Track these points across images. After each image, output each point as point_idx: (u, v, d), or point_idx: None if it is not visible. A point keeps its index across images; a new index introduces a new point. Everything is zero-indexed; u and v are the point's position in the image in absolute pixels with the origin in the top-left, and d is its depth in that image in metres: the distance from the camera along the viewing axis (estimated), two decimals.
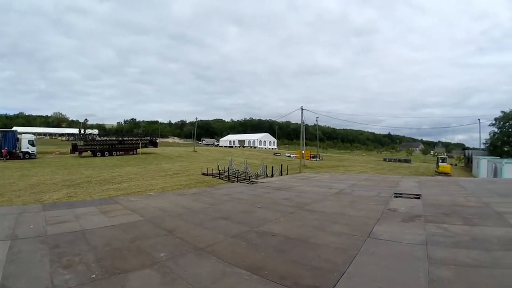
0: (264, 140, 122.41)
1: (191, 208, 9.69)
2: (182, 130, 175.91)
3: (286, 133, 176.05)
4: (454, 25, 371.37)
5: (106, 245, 5.74)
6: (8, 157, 41.85)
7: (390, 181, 18.16)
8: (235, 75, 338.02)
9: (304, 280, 4.23)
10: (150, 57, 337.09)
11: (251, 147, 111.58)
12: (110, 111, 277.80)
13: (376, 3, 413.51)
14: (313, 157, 70.18)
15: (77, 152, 51.51)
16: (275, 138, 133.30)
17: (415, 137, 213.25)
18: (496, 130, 63.49)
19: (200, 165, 37.01)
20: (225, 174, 31.37)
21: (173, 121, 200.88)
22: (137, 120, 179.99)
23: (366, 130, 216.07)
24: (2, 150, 42.11)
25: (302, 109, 47.90)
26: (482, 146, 68.37)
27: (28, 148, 45.07)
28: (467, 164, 65.96)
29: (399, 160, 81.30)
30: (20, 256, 5.06)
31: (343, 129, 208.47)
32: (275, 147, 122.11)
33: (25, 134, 49.42)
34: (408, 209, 9.08)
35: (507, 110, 61.76)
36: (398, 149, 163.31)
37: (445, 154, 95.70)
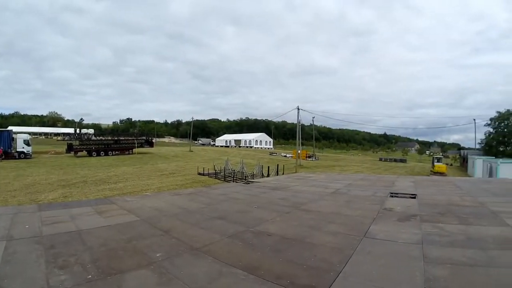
0: (260, 140, 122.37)
1: (187, 208, 9.66)
2: (178, 129, 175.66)
3: (282, 133, 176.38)
4: (451, 26, 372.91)
5: (102, 245, 5.71)
6: (3, 157, 41.50)
7: (385, 180, 18.21)
8: (232, 74, 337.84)
9: (301, 280, 4.22)
10: (146, 56, 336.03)
11: (247, 147, 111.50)
12: (106, 110, 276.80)
13: (374, 4, 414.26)
14: (309, 157, 70.25)
15: (73, 152, 51.16)
16: (271, 138, 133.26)
17: (410, 137, 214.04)
18: (491, 130, 64.15)
19: (196, 165, 36.95)
20: (221, 174, 31.36)
21: (169, 121, 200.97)
22: (133, 120, 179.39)
23: (362, 130, 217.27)
24: None
25: (298, 109, 48.09)
26: (478, 146, 68.97)
27: (23, 148, 44.74)
28: (463, 164, 66.37)
29: (395, 160, 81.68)
30: (15, 257, 5.02)
31: (339, 129, 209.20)
32: (271, 147, 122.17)
33: (20, 134, 49.07)
34: (404, 209, 9.11)
35: (502, 110, 62.38)
36: (394, 149, 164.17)
37: (441, 154, 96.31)
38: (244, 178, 26.91)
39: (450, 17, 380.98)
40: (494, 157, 48.48)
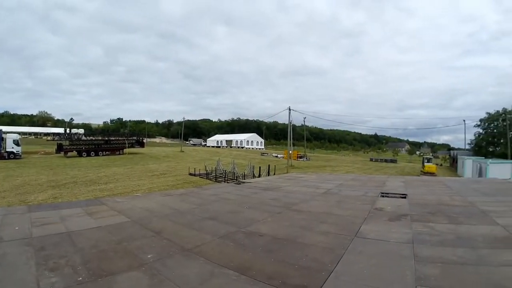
0: (251, 140, 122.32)
1: (178, 209, 9.62)
2: (169, 130, 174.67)
3: (273, 133, 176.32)
4: (442, 27, 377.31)
5: (92, 247, 5.65)
6: None
7: (376, 181, 18.34)
8: (223, 74, 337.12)
9: (292, 280, 4.22)
10: (138, 55, 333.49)
11: (238, 147, 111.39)
12: (96, 110, 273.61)
13: (365, 6, 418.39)
14: (300, 157, 70.38)
15: (63, 152, 50.57)
16: (262, 138, 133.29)
17: (401, 138, 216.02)
18: (481, 131, 65.06)
19: (187, 166, 36.80)
20: (213, 174, 31.25)
21: (160, 121, 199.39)
22: (123, 120, 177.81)
23: (353, 130, 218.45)
24: None
25: (289, 110, 48.09)
26: (467, 147, 69.83)
27: (13, 148, 44.03)
28: (452, 164, 67.04)
29: (385, 160, 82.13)
30: (5, 259, 4.95)
31: (330, 130, 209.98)
32: (263, 147, 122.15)
33: (10, 133, 48.30)
34: (394, 208, 9.17)
35: (492, 111, 63.14)
36: (385, 149, 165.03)
37: (431, 154, 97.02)
38: (235, 178, 26.82)
39: (441, 19, 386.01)
40: (483, 158, 49.09)
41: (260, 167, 31.92)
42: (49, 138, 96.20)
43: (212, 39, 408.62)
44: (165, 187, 22.71)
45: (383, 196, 11.72)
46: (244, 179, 24.06)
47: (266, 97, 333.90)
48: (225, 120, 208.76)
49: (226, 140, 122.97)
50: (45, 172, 30.60)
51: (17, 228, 6.87)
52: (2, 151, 43.05)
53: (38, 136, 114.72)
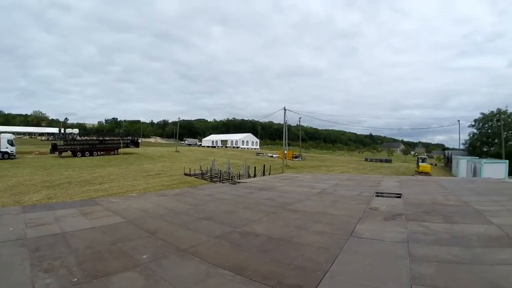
0: (246, 140, 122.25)
1: (173, 209, 9.58)
2: (164, 130, 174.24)
3: (268, 133, 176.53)
4: (437, 29, 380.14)
5: (87, 247, 5.61)
6: None
7: (371, 180, 18.39)
8: (219, 75, 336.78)
9: (288, 280, 4.21)
10: (133, 55, 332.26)
11: (233, 147, 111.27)
12: (91, 110, 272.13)
13: (361, 7, 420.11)
14: (296, 157, 70.46)
15: (57, 152, 50.17)
16: (257, 138, 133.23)
17: (396, 138, 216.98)
18: (475, 131, 65.51)
19: (183, 166, 36.68)
20: (208, 174, 31.17)
21: (155, 121, 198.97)
22: (118, 120, 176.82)
23: (348, 130, 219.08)
24: None
25: (285, 110, 48.17)
26: (462, 147, 70.27)
27: (7, 148, 43.62)
28: (447, 164, 67.51)
29: (380, 160, 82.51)
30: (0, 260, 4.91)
31: (326, 130, 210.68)
32: (258, 147, 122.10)
33: (4, 133, 47.86)
34: (389, 208, 9.19)
35: (486, 112, 63.64)
36: (380, 149, 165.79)
37: (425, 154, 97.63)
38: (230, 178, 26.79)
39: (436, 20, 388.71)
40: (478, 157, 49.50)
41: (255, 167, 31.95)
42: (43, 138, 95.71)
43: (208, 39, 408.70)
44: (160, 187, 22.62)
45: (378, 196, 11.75)
46: (239, 179, 24.04)
47: (261, 97, 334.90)
48: (221, 120, 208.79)
49: (221, 140, 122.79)
50: (39, 172, 30.37)
51: (11, 229, 6.81)
52: None
53: (33, 136, 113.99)
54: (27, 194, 19.08)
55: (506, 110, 60.20)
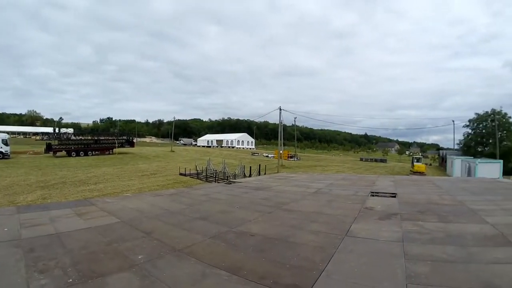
0: (242, 140, 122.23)
1: (168, 209, 9.55)
2: (159, 129, 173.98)
3: (264, 133, 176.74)
4: (431, 30, 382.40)
5: (82, 248, 5.57)
6: None
7: (366, 180, 18.45)
8: (214, 74, 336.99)
9: (284, 279, 4.21)
10: (128, 54, 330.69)
11: (229, 147, 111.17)
12: (86, 109, 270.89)
13: (356, 7, 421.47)
14: (291, 157, 70.54)
15: (52, 152, 49.92)
16: (253, 138, 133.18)
17: (391, 138, 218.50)
18: (469, 131, 66.09)
19: (178, 165, 36.63)
20: (203, 174, 31.14)
21: (150, 121, 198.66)
22: (113, 119, 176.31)
23: (343, 130, 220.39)
24: None
25: (280, 109, 48.11)
26: (456, 147, 70.79)
27: (1, 147, 43.31)
28: (441, 164, 67.92)
29: (375, 160, 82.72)
30: None
31: (321, 130, 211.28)
32: (253, 147, 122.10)
33: None
34: (384, 208, 9.22)
35: (481, 112, 64.16)
36: (375, 149, 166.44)
37: (420, 154, 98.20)
38: (226, 178, 26.78)
39: (430, 21, 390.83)
40: (472, 157, 49.88)
41: (250, 167, 31.96)
42: (38, 137, 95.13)
43: (203, 39, 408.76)
44: (156, 187, 22.59)
45: (373, 196, 11.79)
46: (235, 179, 24.02)
47: (257, 97, 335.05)
48: (216, 120, 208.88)
49: (217, 140, 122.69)
50: (34, 172, 30.21)
51: (6, 229, 6.74)
52: None
53: (27, 136, 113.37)
54: (21, 194, 18.99)
55: (501, 110, 60.90)
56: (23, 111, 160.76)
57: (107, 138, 61.83)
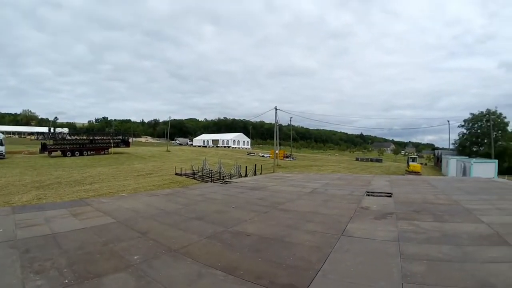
0: (238, 140, 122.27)
1: (164, 209, 9.51)
2: (155, 129, 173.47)
3: (260, 133, 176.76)
4: (427, 30, 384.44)
5: (78, 249, 5.52)
6: None
7: (362, 180, 18.50)
8: (210, 74, 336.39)
9: (280, 279, 4.20)
10: (123, 54, 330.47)
11: (225, 146, 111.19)
12: (81, 109, 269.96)
13: (353, 8, 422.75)
14: (287, 157, 70.68)
15: (47, 152, 49.73)
16: (249, 138, 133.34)
17: (386, 138, 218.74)
18: (465, 131, 66.70)
19: (174, 165, 36.58)
20: (199, 174, 31.13)
21: (146, 120, 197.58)
22: (109, 119, 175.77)
23: (339, 130, 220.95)
24: None
25: (276, 109, 48.11)
26: (451, 146, 71.37)
27: None
28: (437, 164, 68.33)
29: (371, 160, 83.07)
30: None
31: (317, 129, 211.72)
32: (249, 147, 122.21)
33: None
34: (380, 207, 9.24)
35: (476, 112, 64.62)
36: (370, 149, 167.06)
37: (415, 154, 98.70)
38: (221, 178, 26.76)
39: (426, 22, 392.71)
40: (467, 157, 50.17)
41: (246, 167, 31.92)
42: (33, 137, 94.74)
43: (199, 38, 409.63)
44: (151, 187, 22.54)
45: (368, 195, 11.81)
46: (231, 178, 24.02)
47: (253, 97, 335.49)
48: (212, 120, 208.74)
49: (213, 140, 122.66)
50: (29, 172, 30.04)
51: (1, 230, 6.68)
52: None
53: (22, 136, 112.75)
54: (16, 194, 18.88)
55: (496, 110, 61.48)
56: (18, 110, 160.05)
57: (102, 138, 61.72)
